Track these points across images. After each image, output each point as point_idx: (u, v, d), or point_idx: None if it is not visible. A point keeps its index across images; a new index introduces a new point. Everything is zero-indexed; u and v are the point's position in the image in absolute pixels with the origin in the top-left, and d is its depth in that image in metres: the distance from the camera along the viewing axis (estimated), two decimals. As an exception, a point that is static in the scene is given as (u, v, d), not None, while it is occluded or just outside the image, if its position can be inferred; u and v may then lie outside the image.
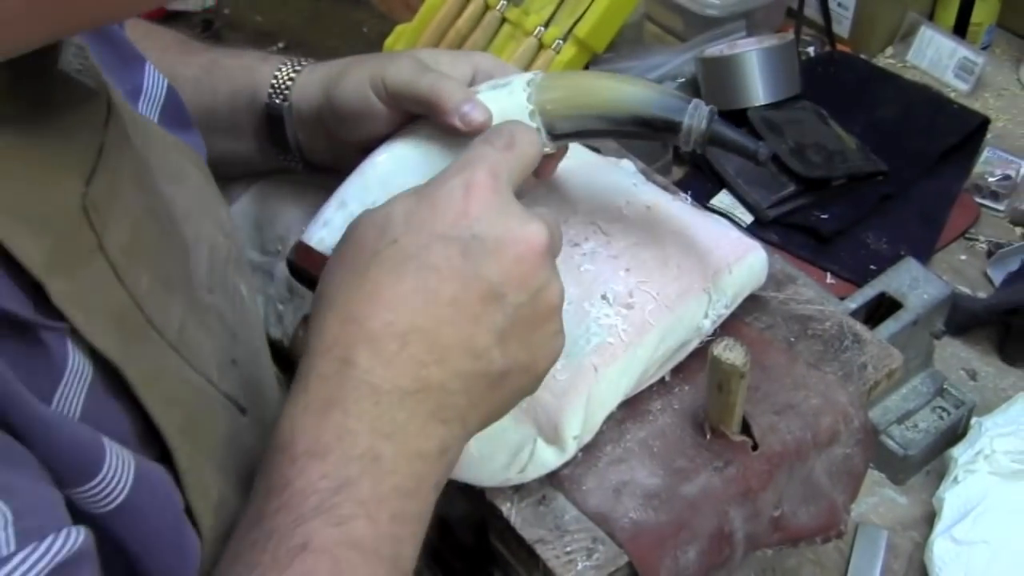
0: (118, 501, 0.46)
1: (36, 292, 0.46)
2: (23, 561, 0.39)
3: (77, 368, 0.47)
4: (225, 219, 0.70)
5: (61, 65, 0.52)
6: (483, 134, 0.63)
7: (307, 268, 0.71)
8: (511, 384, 0.59)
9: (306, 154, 0.81)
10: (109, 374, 0.49)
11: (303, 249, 0.71)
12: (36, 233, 0.46)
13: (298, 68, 0.79)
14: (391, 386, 0.54)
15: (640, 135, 0.69)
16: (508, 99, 0.69)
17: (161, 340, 0.53)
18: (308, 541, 0.50)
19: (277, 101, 0.78)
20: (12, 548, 0.38)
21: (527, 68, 1.31)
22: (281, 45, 1.58)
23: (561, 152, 0.72)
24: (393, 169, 0.71)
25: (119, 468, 0.46)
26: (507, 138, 0.61)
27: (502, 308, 0.57)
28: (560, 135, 0.68)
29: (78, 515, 0.44)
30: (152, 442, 0.50)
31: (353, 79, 0.74)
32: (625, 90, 0.69)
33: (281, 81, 0.79)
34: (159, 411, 0.51)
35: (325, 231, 0.70)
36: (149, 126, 0.64)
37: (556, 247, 0.60)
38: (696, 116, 0.67)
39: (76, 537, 0.41)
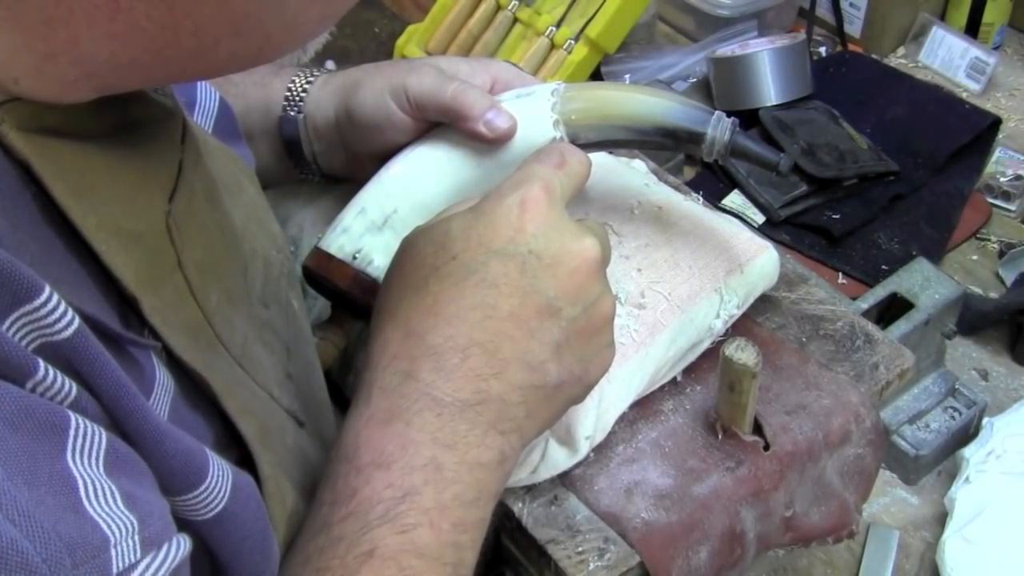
0: (217, 510, 0.46)
1: (123, 308, 0.46)
2: (146, 568, 0.40)
3: (162, 380, 0.47)
4: (277, 233, 0.70)
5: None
6: (534, 154, 0.64)
7: (324, 274, 0.71)
8: (564, 394, 0.60)
9: (322, 166, 0.81)
10: (189, 386, 0.50)
11: (321, 255, 0.70)
12: (128, 249, 0.46)
13: (311, 79, 0.79)
14: (452, 398, 0.56)
15: (663, 146, 0.70)
16: (532, 108, 0.70)
17: (228, 355, 0.54)
18: (375, 548, 0.51)
19: (292, 113, 0.79)
20: (137, 556, 0.39)
21: (539, 68, 1.31)
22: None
23: None
24: (414, 176, 0.71)
25: (220, 477, 0.46)
26: (558, 157, 0.62)
27: (558, 322, 0.58)
28: (584, 144, 0.69)
29: (177, 522, 0.45)
30: (228, 455, 0.50)
31: (371, 89, 0.74)
32: (650, 101, 0.69)
33: (295, 92, 0.79)
34: (239, 421, 0.51)
35: (344, 238, 0.70)
36: (208, 140, 0.65)
37: (607, 259, 0.61)
38: (719, 127, 0.68)
39: (183, 545, 0.42)
